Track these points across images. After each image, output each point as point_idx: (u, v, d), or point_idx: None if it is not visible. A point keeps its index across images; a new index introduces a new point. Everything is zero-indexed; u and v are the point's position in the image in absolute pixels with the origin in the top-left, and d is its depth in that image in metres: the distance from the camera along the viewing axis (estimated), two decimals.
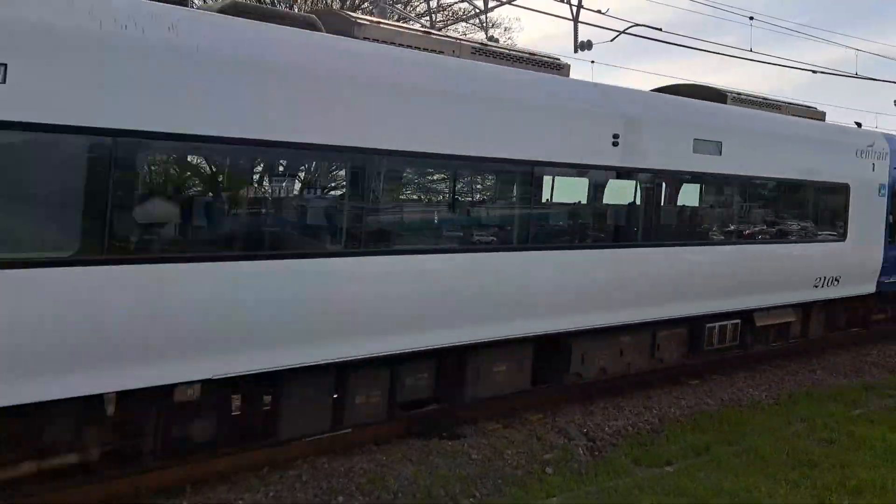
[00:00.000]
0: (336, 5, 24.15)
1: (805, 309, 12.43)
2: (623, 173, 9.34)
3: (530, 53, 9.18)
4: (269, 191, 7.13)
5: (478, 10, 17.05)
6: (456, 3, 23.36)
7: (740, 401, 10.57)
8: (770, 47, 48.83)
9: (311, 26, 7.17)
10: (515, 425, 8.98)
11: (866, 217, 12.80)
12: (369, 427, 8.09)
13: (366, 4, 22.06)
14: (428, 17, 20.51)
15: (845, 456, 7.94)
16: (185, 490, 6.63)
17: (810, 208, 12.30)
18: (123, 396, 6.01)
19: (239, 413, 7.15)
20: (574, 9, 13.90)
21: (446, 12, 24.27)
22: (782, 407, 10.21)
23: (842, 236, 12.49)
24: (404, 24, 9.19)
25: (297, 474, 7.20)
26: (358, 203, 7.01)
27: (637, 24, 15.15)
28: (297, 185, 7.46)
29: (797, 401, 10.49)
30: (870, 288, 13.37)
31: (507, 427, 8.89)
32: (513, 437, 8.55)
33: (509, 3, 15.94)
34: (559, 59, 9.38)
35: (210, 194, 6.88)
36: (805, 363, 12.96)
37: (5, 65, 4.98)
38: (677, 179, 10.15)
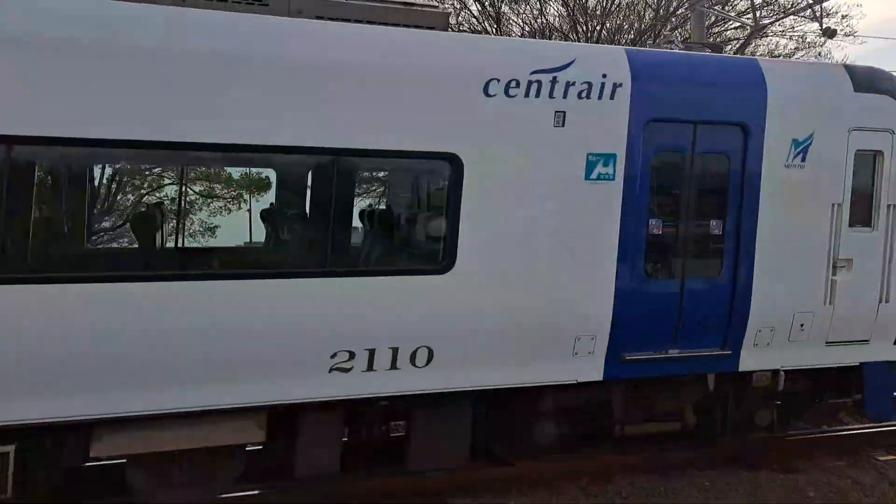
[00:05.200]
0: (650, 14, 23.75)
1: None
2: None
3: None
4: None
5: (810, 1, 15.48)
6: None
7: None
8: None
9: None
10: (861, 464, 7.95)
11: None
12: (691, 450, 7.80)
13: (681, 10, 21.32)
14: (751, 14, 19.12)
15: None
16: (511, 490, 7.05)
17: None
18: None
19: None
20: None
21: (772, 6, 22.45)
22: None
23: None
24: None
25: (615, 490, 7.20)
26: None
27: None
28: None
29: None
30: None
31: (852, 465, 7.91)
32: (860, 479, 7.57)
33: None
34: None
35: None
36: None
37: None
38: None
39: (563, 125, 6.35)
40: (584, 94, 6.39)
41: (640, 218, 6.64)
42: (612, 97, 6.47)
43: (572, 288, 6.46)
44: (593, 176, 6.46)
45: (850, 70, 7.49)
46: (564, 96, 6.34)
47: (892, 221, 7.44)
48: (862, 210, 7.40)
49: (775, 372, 7.32)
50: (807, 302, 7.16)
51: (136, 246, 6.61)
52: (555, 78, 6.31)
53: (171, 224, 6.50)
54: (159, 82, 5.34)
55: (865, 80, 7.42)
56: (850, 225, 7.30)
